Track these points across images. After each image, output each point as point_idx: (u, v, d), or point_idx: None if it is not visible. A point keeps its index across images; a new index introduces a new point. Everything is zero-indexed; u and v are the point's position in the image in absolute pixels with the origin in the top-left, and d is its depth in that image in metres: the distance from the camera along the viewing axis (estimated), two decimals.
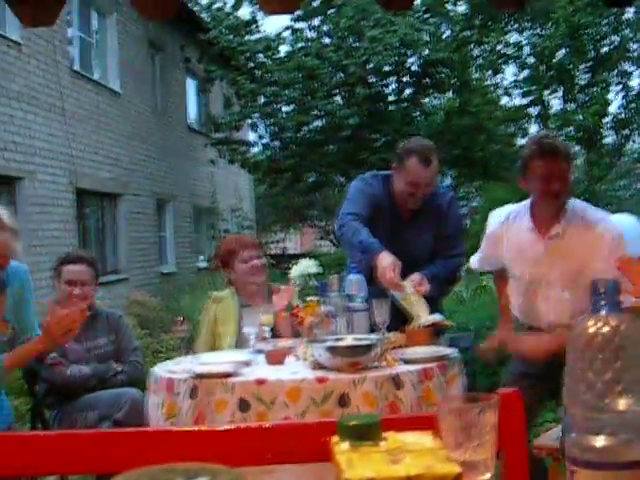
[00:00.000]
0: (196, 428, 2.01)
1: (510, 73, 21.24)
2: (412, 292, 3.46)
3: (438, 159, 3.92)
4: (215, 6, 18.10)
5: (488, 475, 1.03)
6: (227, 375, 2.89)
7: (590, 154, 19.43)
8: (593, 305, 0.94)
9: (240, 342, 3.70)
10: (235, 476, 0.58)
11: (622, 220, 4.07)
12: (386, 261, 3.48)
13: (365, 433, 0.88)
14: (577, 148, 19.88)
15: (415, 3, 3.02)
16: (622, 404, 0.88)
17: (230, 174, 19.63)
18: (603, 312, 0.93)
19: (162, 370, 3.16)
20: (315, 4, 17.38)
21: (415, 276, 3.56)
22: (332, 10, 17.24)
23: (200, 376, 2.92)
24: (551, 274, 3.42)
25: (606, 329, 0.90)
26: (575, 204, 3.42)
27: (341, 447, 0.88)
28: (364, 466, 0.80)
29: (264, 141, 18.33)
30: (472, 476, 1.01)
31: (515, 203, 3.65)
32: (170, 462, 0.99)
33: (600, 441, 0.89)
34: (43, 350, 3.45)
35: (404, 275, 3.50)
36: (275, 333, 3.56)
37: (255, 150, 18.95)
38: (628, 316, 0.92)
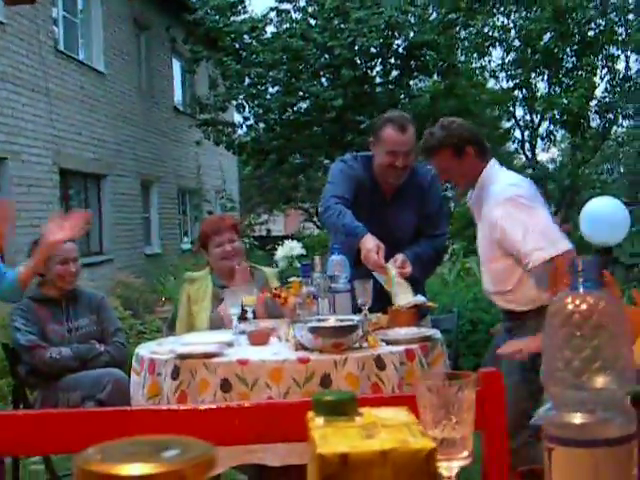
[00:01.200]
0: (178, 407, 2.01)
1: (496, 56, 21.23)
2: (395, 274, 3.46)
3: (415, 129, 3.90)
4: None
5: (466, 453, 1.03)
6: (210, 355, 2.88)
7: (575, 138, 19.49)
8: (571, 283, 0.94)
9: (213, 321, 3.73)
10: (206, 448, 0.58)
11: (605, 203, 4.09)
12: (370, 244, 3.48)
13: (340, 408, 0.88)
14: (562, 132, 19.95)
15: None
16: (599, 382, 0.88)
17: (216, 155, 19.56)
18: (581, 290, 0.93)
19: (145, 350, 3.16)
20: None
21: (398, 257, 3.56)
22: None
23: (182, 356, 2.91)
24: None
25: (584, 307, 0.90)
26: (488, 176, 3.47)
27: (316, 422, 0.88)
28: (338, 441, 0.79)
29: (249, 122, 18.24)
30: (450, 453, 1.02)
31: None
32: None
33: (577, 418, 0.90)
34: None
35: (388, 256, 3.50)
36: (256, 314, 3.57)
37: (241, 132, 18.86)
38: (606, 294, 0.92)
